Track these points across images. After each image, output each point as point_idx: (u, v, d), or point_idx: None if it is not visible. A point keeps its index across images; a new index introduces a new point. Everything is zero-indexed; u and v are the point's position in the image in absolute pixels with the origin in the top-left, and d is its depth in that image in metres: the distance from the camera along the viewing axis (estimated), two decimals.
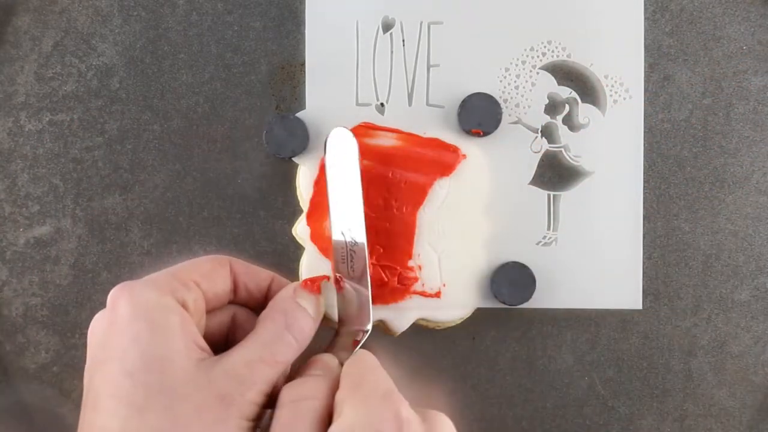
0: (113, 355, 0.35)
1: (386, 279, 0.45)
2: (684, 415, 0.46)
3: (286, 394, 0.36)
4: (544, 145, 0.46)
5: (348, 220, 0.42)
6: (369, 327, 0.41)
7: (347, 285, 0.41)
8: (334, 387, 0.37)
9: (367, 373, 0.37)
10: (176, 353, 0.35)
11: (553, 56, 0.46)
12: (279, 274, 0.42)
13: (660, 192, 0.46)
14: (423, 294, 0.45)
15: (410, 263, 0.45)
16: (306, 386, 0.37)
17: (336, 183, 0.42)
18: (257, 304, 0.42)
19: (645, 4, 0.46)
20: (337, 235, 0.42)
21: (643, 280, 0.46)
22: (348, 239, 0.41)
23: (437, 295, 0.45)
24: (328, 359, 0.39)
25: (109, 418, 0.34)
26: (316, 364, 0.39)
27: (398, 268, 0.45)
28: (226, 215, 0.46)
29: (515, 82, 0.46)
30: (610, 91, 0.46)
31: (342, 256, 0.42)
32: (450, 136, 0.45)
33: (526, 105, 0.46)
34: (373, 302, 0.44)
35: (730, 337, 0.46)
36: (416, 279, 0.45)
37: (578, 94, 0.46)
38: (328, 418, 0.36)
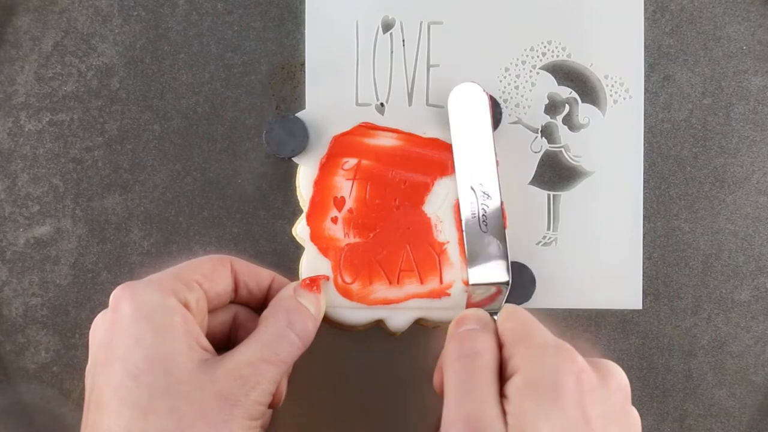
0: (116, 356, 0.35)
1: (387, 279, 0.45)
2: (684, 415, 0.46)
3: (456, 348, 0.37)
4: (544, 145, 0.46)
5: (480, 175, 0.42)
6: (508, 279, 0.41)
7: (481, 237, 0.42)
8: (498, 340, 0.37)
9: (530, 326, 0.37)
10: (179, 354, 0.35)
11: (553, 56, 0.46)
12: (279, 274, 0.42)
13: (660, 192, 0.46)
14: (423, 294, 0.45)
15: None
16: (475, 340, 0.37)
17: (464, 138, 0.42)
18: (258, 304, 0.42)
19: (645, 4, 0.46)
20: (465, 191, 0.42)
21: (643, 280, 0.46)
22: (479, 194, 0.42)
23: (438, 295, 0.45)
24: (479, 313, 0.39)
25: (113, 419, 0.34)
26: (467, 319, 0.39)
27: (398, 267, 0.45)
28: (226, 215, 0.46)
29: (515, 82, 0.46)
30: (610, 91, 0.46)
31: (472, 212, 0.42)
32: (450, 136, 0.45)
33: (526, 105, 0.46)
34: (373, 303, 0.45)
35: (730, 337, 0.46)
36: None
37: (578, 94, 0.46)
38: (498, 370, 0.36)
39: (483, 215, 0.42)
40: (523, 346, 0.36)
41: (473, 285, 0.41)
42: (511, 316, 0.39)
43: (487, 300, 0.41)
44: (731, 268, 0.46)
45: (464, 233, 0.42)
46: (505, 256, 0.42)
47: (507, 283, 0.42)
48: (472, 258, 0.42)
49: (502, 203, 0.42)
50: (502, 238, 0.42)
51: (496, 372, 0.36)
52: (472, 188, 0.42)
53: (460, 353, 0.36)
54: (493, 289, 0.42)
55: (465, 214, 0.42)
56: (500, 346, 0.37)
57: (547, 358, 0.35)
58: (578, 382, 0.34)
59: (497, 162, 0.43)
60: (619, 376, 0.36)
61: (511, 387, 0.35)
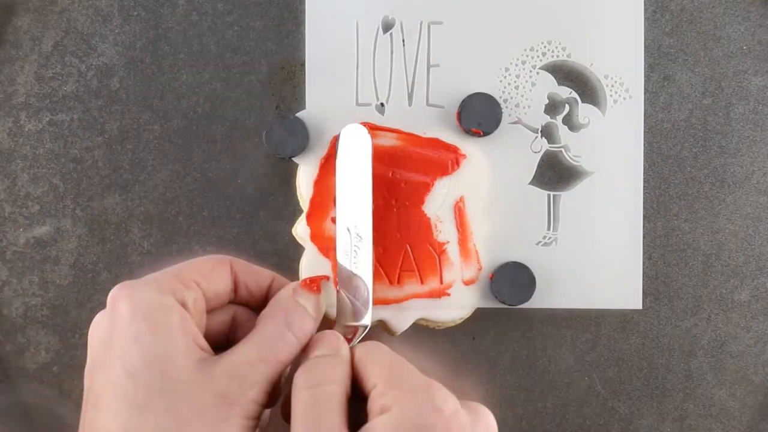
0: (114, 355, 0.35)
1: (387, 279, 0.45)
2: (684, 415, 0.46)
3: (304, 378, 0.36)
4: (544, 145, 0.46)
5: (355, 217, 0.42)
6: (368, 323, 0.42)
7: (350, 279, 0.42)
8: (350, 370, 0.37)
9: (401, 364, 0.37)
10: (177, 353, 0.35)
11: (553, 56, 0.46)
12: (279, 274, 0.42)
13: (660, 192, 0.46)
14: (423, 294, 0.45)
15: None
16: (324, 370, 0.37)
17: (345, 178, 0.42)
18: (258, 304, 0.42)
19: (645, 4, 0.46)
20: (341, 230, 0.42)
21: (643, 280, 0.46)
22: (353, 235, 0.42)
23: (438, 295, 0.45)
24: (332, 337, 0.39)
25: (111, 418, 0.34)
26: (321, 342, 0.39)
27: (399, 267, 0.45)
28: (226, 215, 0.46)
29: (515, 82, 0.46)
30: (610, 91, 0.46)
31: (346, 251, 0.42)
32: (450, 136, 0.45)
33: (526, 105, 0.46)
34: (375, 302, 0.45)
35: (730, 337, 0.46)
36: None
37: (578, 94, 0.46)
38: (346, 402, 0.36)
39: (355, 256, 0.42)
40: (395, 386, 0.36)
41: (340, 324, 0.42)
42: (376, 350, 0.38)
43: (347, 338, 0.41)
44: (731, 268, 0.46)
45: (338, 271, 0.42)
46: (369, 300, 0.42)
47: (366, 327, 0.42)
48: (341, 296, 0.42)
49: (371, 249, 0.42)
50: (369, 281, 0.42)
51: (344, 403, 0.36)
52: (347, 228, 0.42)
53: (306, 382, 0.36)
54: (355, 330, 0.42)
55: (339, 252, 0.42)
56: (354, 376, 0.37)
57: (420, 400, 0.35)
58: (448, 426, 0.34)
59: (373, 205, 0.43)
60: (488, 420, 0.37)
61: (378, 425, 0.34)
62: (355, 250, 0.42)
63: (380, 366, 0.37)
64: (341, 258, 0.42)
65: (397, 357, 0.38)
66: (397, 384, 0.36)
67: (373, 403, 0.36)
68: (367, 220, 0.42)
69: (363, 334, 0.42)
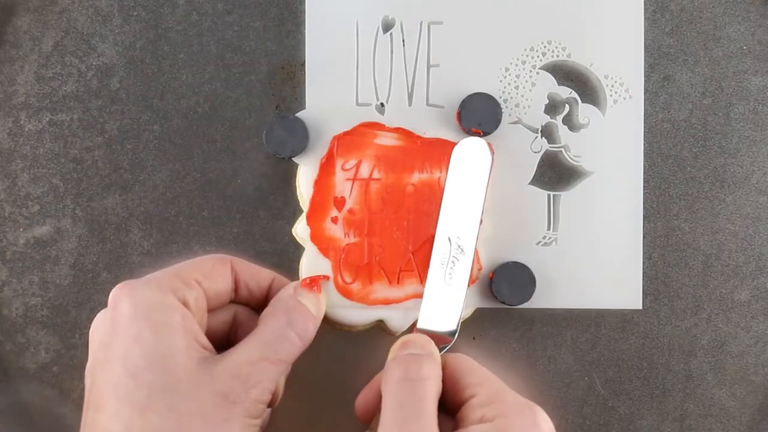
0: (115, 354, 0.35)
1: (387, 279, 0.45)
2: (684, 415, 0.46)
3: (404, 370, 0.37)
4: (544, 145, 0.46)
5: (459, 229, 0.43)
6: (456, 329, 0.43)
7: (441, 287, 0.43)
8: (441, 370, 0.38)
9: (497, 380, 0.39)
10: (178, 352, 0.35)
11: (553, 56, 0.46)
12: (279, 274, 0.42)
13: (660, 192, 0.46)
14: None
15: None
16: (422, 366, 0.38)
17: (455, 189, 0.43)
18: (258, 304, 0.42)
19: (645, 4, 0.46)
20: (441, 240, 0.43)
21: (643, 280, 0.46)
22: (454, 246, 0.42)
23: None
24: (425, 340, 0.40)
25: (112, 418, 0.34)
26: (414, 343, 0.40)
27: (399, 267, 0.45)
28: (226, 215, 0.46)
29: (515, 82, 0.46)
30: (610, 91, 0.46)
31: (442, 261, 0.43)
32: (450, 136, 0.45)
33: (526, 105, 0.46)
34: (374, 303, 0.45)
35: (730, 337, 0.46)
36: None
37: (578, 94, 0.46)
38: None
39: (451, 268, 0.43)
40: (499, 399, 0.37)
41: (420, 329, 0.42)
42: (471, 361, 0.39)
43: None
44: (731, 268, 0.46)
45: (427, 279, 0.43)
46: (459, 310, 0.43)
47: (453, 333, 0.42)
48: (426, 303, 0.43)
49: (473, 263, 0.43)
50: (462, 295, 0.43)
51: (437, 402, 0.37)
52: (449, 239, 0.43)
53: (405, 376, 0.37)
54: (441, 338, 0.42)
55: (434, 261, 0.43)
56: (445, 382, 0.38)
57: (525, 418, 0.36)
58: None
59: (481, 221, 0.43)
60: None
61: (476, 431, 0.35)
62: (453, 261, 0.43)
63: (480, 377, 0.38)
64: (435, 266, 0.43)
65: (490, 372, 0.39)
66: (502, 398, 0.37)
67: (471, 412, 0.36)
68: (473, 235, 0.43)
69: (452, 344, 0.42)
